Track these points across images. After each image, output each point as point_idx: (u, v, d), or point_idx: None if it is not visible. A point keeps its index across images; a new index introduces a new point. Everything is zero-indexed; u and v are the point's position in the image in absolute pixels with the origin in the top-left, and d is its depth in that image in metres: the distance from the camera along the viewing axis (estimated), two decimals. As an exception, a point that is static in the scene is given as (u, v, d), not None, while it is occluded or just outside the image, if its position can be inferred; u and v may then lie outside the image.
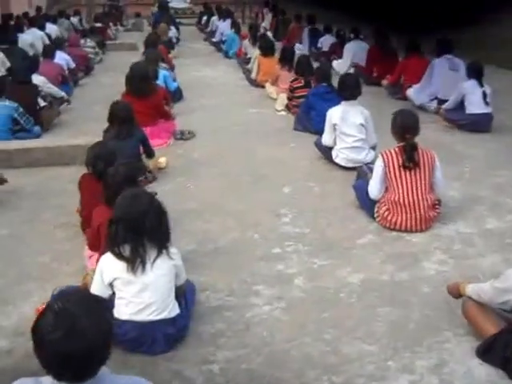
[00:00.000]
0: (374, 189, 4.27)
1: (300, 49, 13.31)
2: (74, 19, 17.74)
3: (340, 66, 10.65)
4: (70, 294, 1.79)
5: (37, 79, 7.30)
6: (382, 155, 4.19)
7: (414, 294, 3.38)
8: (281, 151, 6.08)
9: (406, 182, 4.14)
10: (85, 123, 7.16)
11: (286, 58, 8.45)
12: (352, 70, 10.30)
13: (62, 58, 9.40)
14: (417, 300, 3.32)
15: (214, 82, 10.16)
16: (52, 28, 13.77)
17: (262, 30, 17.56)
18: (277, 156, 5.91)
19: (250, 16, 22.12)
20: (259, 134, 6.76)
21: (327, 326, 3.07)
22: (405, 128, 4.23)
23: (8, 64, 8.90)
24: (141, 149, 5.19)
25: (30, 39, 11.37)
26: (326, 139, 5.49)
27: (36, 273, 3.66)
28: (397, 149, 4.20)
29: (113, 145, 3.97)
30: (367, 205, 4.41)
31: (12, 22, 13.84)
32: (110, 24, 16.98)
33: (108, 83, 9.97)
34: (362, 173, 4.95)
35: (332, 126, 5.37)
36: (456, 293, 3.06)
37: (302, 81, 7.40)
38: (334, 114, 5.38)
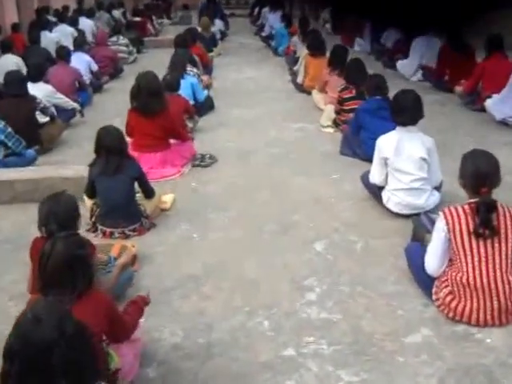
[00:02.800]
0: (433, 262, 3.24)
1: (361, 45, 12.29)
2: (117, 12, 17.28)
3: (405, 67, 9.54)
4: None
5: (41, 89, 6.66)
6: (446, 216, 3.15)
7: None
8: (320, 185, 5.10)
9: (479, 257, 3.09)
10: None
11: (337, 60, 7.40)
12: (419, 73, 9.17)
13: (82, 60, 8.80)
14: None
15: (254, 87, 9.25)
16: (86, 23, 13.28)
17: (321, 22, 16.66)
18: (314, 193, 4.94)
19: (310, 5, 21.04)
20: (297, 159, 5.80)
21: None
22: (479, 178, 3.18)
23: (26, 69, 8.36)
24: (136, 186, 4.37)
25: (57, 37, 10.87)
26: (375, 176, 4.47)
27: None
28: (467, 207, 3.16)
29: (70, 198, 3.14)
30: (423, 280, 3.39)
31: (49, 17, 13.51)
32: (153, 17, 16.38)
33: (136, 88, 9.27)
34: (419, 227, 3.93)
35: (382, 159, 4.35)
36: None
37: (354, 91, 6.37)
38: (386, 144, 4.36)
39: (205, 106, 7.51)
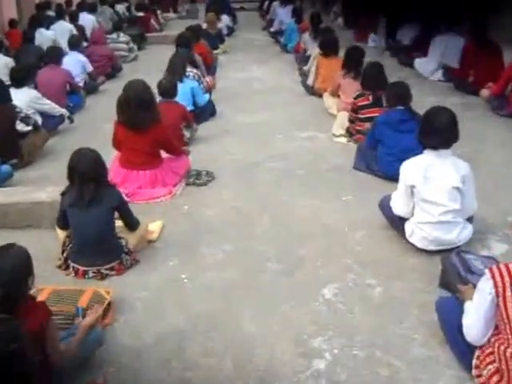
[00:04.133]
0: (476, 330, 2.57)
1: (375, 40, 11.56)
2: (121, 6, 16.61)
3: (424, 66, 8.82)
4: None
5: (25, 94, 6.05)
6: (494, 276, 2.47)
7: None
8: (331, 210, 4.43)
9: (535, 327, 2.42)
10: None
11: (352, 62, 6.69)
12: (439, 72, 8.44)
13: (75, 60, 8.19)
14: None
15: (260, 88, 8.56)
16: (87, 19, 12.62)
17: (332, 16, 15.88)
18: (324, 219, 4.28)
19: (322, -2, 20.25)
20: (305, 176, 5.14)
21: None
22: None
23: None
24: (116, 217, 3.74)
25: (53, 35, 10.25)
26: (399, 207, 3.79)
27: None
28: (518, 263, 2.49)
29: (18, 254, 2.50)
30: (460, 347, 2.72)
31: (50, 13, 12.89)
32: (158, 12, 15.69)
33: (135, 89, 8.63)
34: (449, 270, 3.28)
35: (409, 187, 3.67)
36: None
37: (370, 97, 5.69)
38: (413, 169, 3.68)
39: (205, 112, 6.86)
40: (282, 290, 3.43)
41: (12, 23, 11.26)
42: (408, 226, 3.76)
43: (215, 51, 10.89)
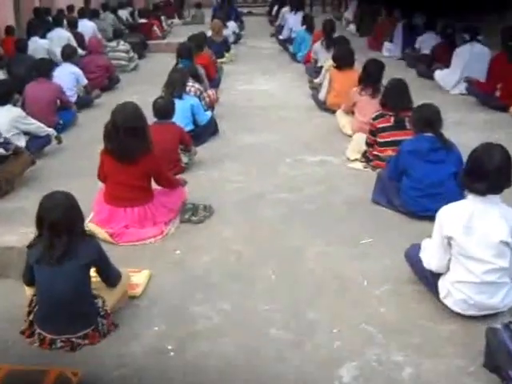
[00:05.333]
0: None
1: (390, 50, 10.95)
2: (124, 12, 16.09)
3: (445, 78, 8.20)
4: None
5: (7, 113, 5.53)
6: None
7: None
8: (346, 257, 3.81)
9: None
10: (72, 177, 5.23)
11: (370, 78, 6.06)
12: (462, 85, 7.80)
13: (68, 72, 7.61)
14: None
15: (267, 103, 7.95)
16: (87, 26, 12.10)
17: (343, 22, 15.29)
18: (338, 270, 3.65)
19: (332, 3, 19.70)
20: (315, 212, 4.52)
21: None
22: None
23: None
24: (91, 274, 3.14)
25: (47, 44, 9.70)
26: (432, 260, 3.16)
27: None
28: None
29: None
30: None
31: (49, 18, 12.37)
32: (162, 18, 15.15)
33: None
34: (497, 346, 2.65)
35: (446, 239, 3.04)
36: None
37: (392, 119, 5.07)
38: (451, 218, 3.04)
39: (207, 131, 6.27)
40: (288, 369, 2.81)
41: (8, 30, 10.70)
42: (443, 285, 3.13)
43: (220, 60, 10.34)
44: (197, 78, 6.88)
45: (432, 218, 4.15)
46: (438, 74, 8.31)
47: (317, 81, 8.06)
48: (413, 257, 3.38)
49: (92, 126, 7.06)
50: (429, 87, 8.38)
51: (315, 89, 7.87)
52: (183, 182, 4.64)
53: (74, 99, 7.56)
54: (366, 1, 13.90)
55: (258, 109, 7.61)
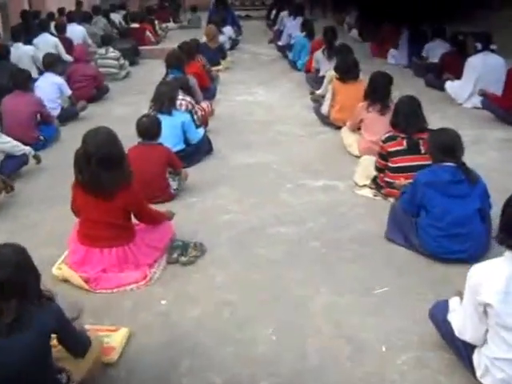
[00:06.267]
0: None
1: (395, 57, 10.43)
2: (117, 16, 15.55)
3: (457, 90, 7.68)
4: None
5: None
6: None
7: None
8: (358, 311, 3.27)
9: None
10: (51, 204, 4.71)
11: (378, 92, 5.54)
12: (476, 98, 7.29)
13: (51, 82, 7.10)
14: None
15: (266, 116, 7.42)
16: (76, 31, 11.56)
17: (345, 27, 14.76)
18: (350, 328, 3.11)
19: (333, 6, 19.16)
20: (321, 250, 3.98)
21: None
22: None
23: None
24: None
25: (32, 50, 9.14)
26: (465, 330, 2.61)
27: None
28: None
29: None
30: None
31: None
32: (156, 22, 14.61)
33: (122, 115, 7.58)
34: None
35: (481, 306, 2.50)
36: None
37: (405, 142, 4.54)
38: (486, 281, 2.48)
39: (199, 151, 5.74)
40: None
41: (-9, 36, 10.21)
42: (479, 360, 2.59)
43: (216, 68, 9.81)
44: (188, 91, 6.35)
45: (455, 261, 3.68)
46: (450, 86, 7.79)
47: (319, 92, 7.54)
48: (439, 318, 2.84)
49: (77, 142, 6.37)
50: (439, 99, 7.87)
51: (317, 101, 7.35)
52: (170, 215, 4.11)
53: (57, 112, 7.04)
54: (367, 6, 13.36)
55: (255, 123, 7.08)
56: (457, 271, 3.59)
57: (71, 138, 6.64)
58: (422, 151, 4.44)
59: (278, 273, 3.69)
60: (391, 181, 4.61)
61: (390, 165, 4.60)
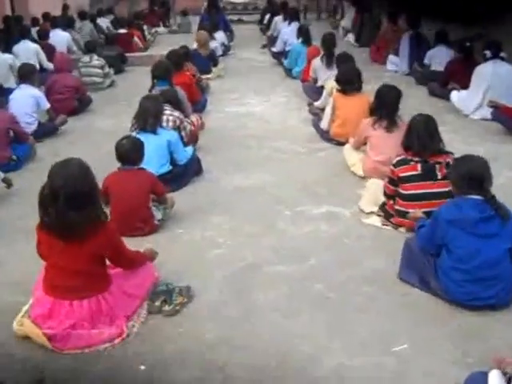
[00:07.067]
0: None
1: (395, 63, 9.95)
2: (105, 20, 14.98)
3: (465, 101, 7.21)
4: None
5: None
6: None
7: None
8: (375, 376, 2.76)
9: None
10: (21, 236, 4.19)
11: (384, 108, 5.05)
12: (485, 110, 6.81)
13: (27, 94, 6.55)
14: None
15: (260, 131, 6.89)
16: (61, 36, 11.02)
17: (341, 31, 14.28)
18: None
19: (327, 9, 18.75)
20: (326, 295, 3.46)
21: None
22: None
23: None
24: None
25: (10, 59, 8.60)
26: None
27: None
28: None
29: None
30: None
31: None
32: (145, 27, 14.07)
33: (105, 128, 7.07)
34: None
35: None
36: None
37: (419, 166, 4.03)
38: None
39: (187, 172, 5.22)
40: None
41: (-32, 44, 9.63)
42: None
43: (206, 76, 9.31)
44: (177, 105, 5.83)
45: (482, 308, 3.20)
46: (456, 96, 7.30)
47: (317, 104, 7.05)
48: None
49: (54, 162, 5.99)
50: (445, 110, 7.38)
51: (316, 114, 6.84)
52: (152, 256, 3.59)
53: (33, 127, 6.51)
54: (365, 7, 12.91)
55: (250, 138, 6.56)
56: (484, 321, 3.13)
57: (48, 156, 6.11)
58: (439, 176, 3.95)
59: (276, 322, 3.18)
60: (402, 209, 4.11)
61: (402, 191, 4.10)
